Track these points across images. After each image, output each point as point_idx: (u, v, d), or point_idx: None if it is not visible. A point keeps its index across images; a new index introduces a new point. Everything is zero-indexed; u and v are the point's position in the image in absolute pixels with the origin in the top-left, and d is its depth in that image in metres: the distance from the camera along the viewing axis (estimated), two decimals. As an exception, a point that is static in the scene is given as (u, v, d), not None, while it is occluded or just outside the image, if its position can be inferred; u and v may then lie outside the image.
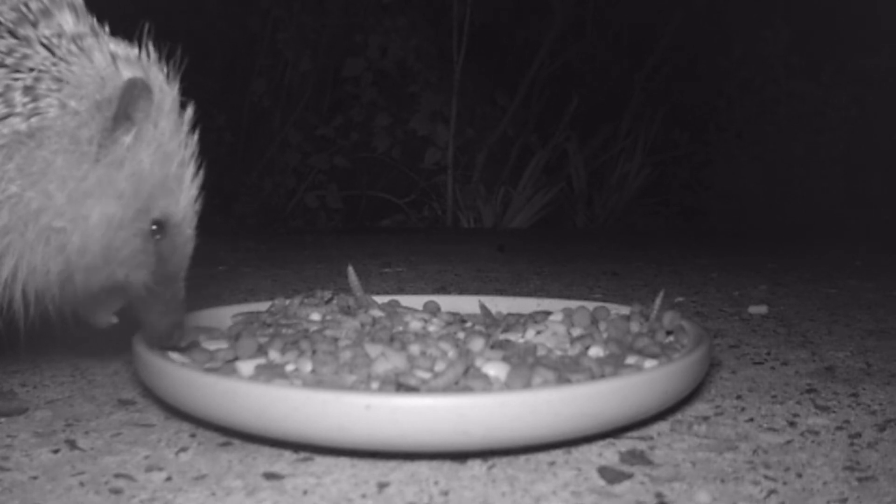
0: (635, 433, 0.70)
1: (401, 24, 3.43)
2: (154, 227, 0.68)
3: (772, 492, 0.59)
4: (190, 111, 0.70)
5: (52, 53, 0.65)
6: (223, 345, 0.77)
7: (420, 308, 0.92)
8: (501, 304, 0.98)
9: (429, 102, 3.44)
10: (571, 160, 3.62)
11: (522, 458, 0.64)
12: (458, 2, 3.41)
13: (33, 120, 0.63)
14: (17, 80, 0.63)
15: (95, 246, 0.66)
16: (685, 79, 3.78)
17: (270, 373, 0.68)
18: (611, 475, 0.61)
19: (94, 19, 0.69)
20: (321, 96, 3.57)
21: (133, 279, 0.69)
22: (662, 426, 0.73)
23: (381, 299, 0.95)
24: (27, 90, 0.63)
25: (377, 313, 0.85)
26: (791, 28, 3.66)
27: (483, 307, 0.95)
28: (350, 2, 3.45)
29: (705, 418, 0.75)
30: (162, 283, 0.70)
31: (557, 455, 0.65)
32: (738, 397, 0.83)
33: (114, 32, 0.70)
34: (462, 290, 1.50)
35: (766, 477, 0.61)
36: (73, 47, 0.65)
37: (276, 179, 3.43)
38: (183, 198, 0.70)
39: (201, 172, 0.72)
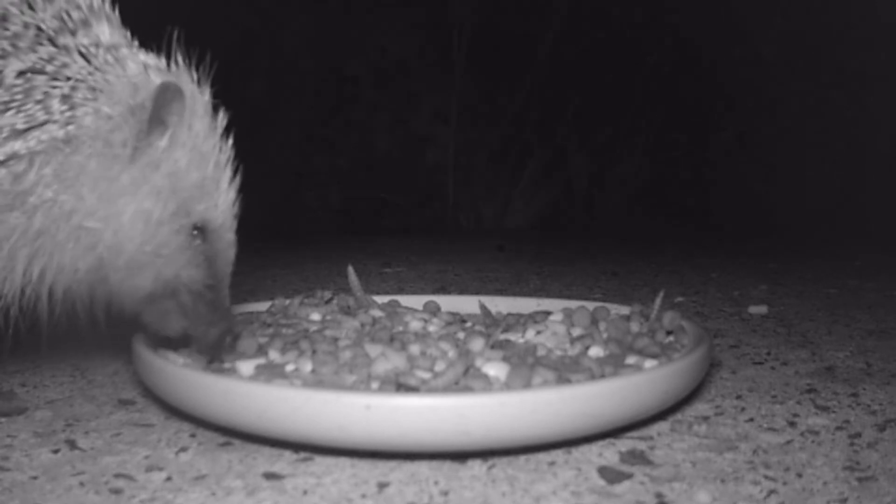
0: (635, 433, 0.70)
1: (401, 24, 3.43)
2: (194, 233, 0.69)
3: (772, 492, 0.59)
4: (223, 116, 0.71)
5: (89, 63, 0.66)
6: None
7: (420, 308, 0.92)
8: (501, 304, 0.98)
9: (429, 102, 3.44)
10: (571, 160, 3.62)
11: (522, 458, 0.64)
12: (458, 2, 3.41)
13: (70, 128, 0.64)
14: (55, 87, 0.64)
15: (132, 243, 0.66)
16: (685, 79, 3.77)
17: (270, 373, 0.69)
18: (611, 475, 0.61)
19: (128, 32, 0.71)
20: (321, 96, 3.57)
21: (186, 278, 0.69)
22: (662, 426, 0.73)
23: (381, 299, 0.95)
24: (65, 98, 0.64)
25: (377, 313, 0.85)
26: (791, 28, 3.66)
27: (483, 307, 0.95)
28: (350, 1, 3.45)
29: (705, 418, 0.75)
30: (207, 290, 0.70)
31: (557, 455, 0.65)
32: (738, 397, 0.83)
33: (142, 42, 0.71)
34: (462, 290, 1.50)
35: (766, 477, 0.61)
36: (109, 57, 0.67)
37: (277, 180, 3.43)
38: (221, 201, 0.70)
39: (238, 176, 0.72)
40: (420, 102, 3.46)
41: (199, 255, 0.69)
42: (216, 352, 0.72)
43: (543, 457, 0.64)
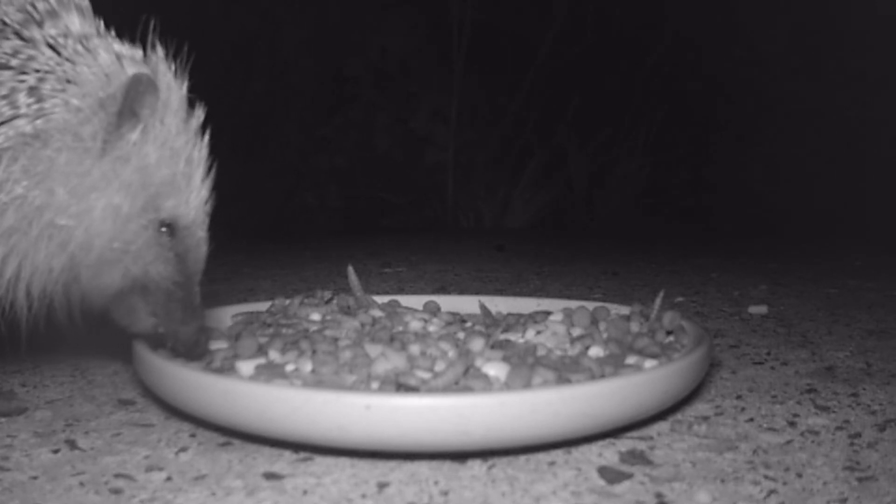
0: (635, 433, 0.70)
1: (401, 24, 3.44)
2: (163, 230, 0.68)
3: (772, 492, 0.59)
4: (200, 112, 0.69)
5: (58, 54, 0.64)
6: (223, 345, 0.78)
7: (420, 308, 0.92)
8: (501, 304, 0.98)
9: (429, 102, 3.44)
10: (571, 160, 3.62)
11: (522, 458, 0.64)
12: (458, 2, 3.41)
13: (39, 122, 0.63)
14: (22, 81, 0.63)
15: (101, 239, 0.65)
16: (686, 79, 3.77)
17: (270, 373, 0.68)
18: (611, 475, 0.61)
19: (101, 22, 0.69)
20: (321, 96, 3.57)
21: (154, 275, 0.68)
22: (662, 426, 0.73)
23: (381, 299, 0.95)
24: (32, 91, 0.63)
25: (377, 313, 0.85)
26: (791, 28, 3.66)
27: (483, 307, 0.95)
28: (350, 1, 3.45)
29: (705, 418, 0.75)
30: (177, 288, 0.69)
31: (557, 455, 0.65)
32: (738, 397, 0.83)
33: (119, 34, 0.69)
34: (462, 290, 1.50)
35: (766, 477, 0.61)
36: (80, 47, 0.65)
37: (276, 179, 3.43)
38: (193, 198, 0.68)
39: (212, 174, 0.70)
40: (420, 102, 3.46)
41: (167, 252, 0.68)
42: (193, 350, 0.70)
43: (543, 457, 0.64)
